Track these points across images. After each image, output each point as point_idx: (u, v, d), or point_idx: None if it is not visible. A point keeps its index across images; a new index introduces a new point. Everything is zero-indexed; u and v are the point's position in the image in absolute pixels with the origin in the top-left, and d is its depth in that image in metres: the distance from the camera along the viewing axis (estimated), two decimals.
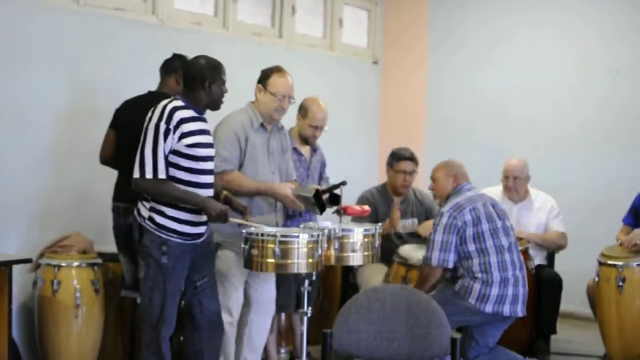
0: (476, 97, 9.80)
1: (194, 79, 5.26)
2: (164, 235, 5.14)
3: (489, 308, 5.96)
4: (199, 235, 5.32)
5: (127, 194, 6.03)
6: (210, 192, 5.31)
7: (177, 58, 6.32)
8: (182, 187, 5.14)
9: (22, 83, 6.50)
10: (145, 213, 5.18)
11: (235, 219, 5.44)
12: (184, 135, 5.10)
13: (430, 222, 7.08)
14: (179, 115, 5.11)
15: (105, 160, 6.38)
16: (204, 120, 5.32)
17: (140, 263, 5.35)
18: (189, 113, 5.18)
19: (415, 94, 10.14)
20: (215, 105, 5.35)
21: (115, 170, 6.26)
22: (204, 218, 5.28)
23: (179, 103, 5.19)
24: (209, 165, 5.29)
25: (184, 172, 5.16)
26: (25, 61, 6.51)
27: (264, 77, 5.98)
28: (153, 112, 5.16)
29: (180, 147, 5.11)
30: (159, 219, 5.15)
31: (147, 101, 5.98)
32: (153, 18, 7.40)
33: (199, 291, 5.38)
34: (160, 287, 5.13)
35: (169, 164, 5.12)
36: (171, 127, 5.06)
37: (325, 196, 6.02)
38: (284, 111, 6.03)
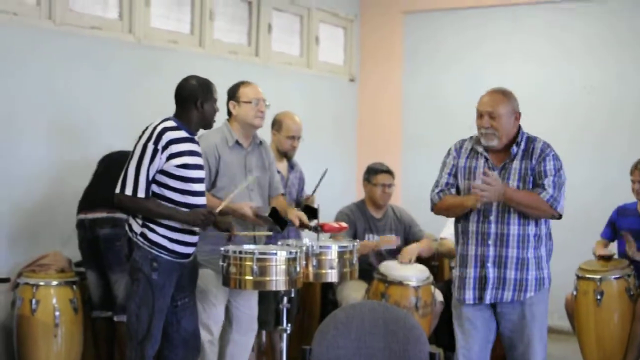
0: (452, 113, 9.82)
1: (186, 100, 5.31)
2: (155, 252, 5.16)
3: None
4: (188, 255, 5.35)
5: (92, 205, 6.15)
6: None
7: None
8: (168, 205, 5.18)
9: None
10: (137, 229, 5.19)
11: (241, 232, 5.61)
12: (172, 156, 5.14)
13: (412, 247, 7.11)
14: (169, 136, 5.14)
15: None
16: (195, 142, 5.35)
17: (114, 277, 5.36)
18: (180, 134, 5.21)
19: (392, 111, 10.19)
20: (208, 124, 5.43)
21: None
22: (194, 239, 5.33)
23: (171, 124, 5.22)
24: (199, 186, 5.32)
25: (173, 193, 5.19)
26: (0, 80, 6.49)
27: (233, 93, 6.01)
28: (144, 131, 5.19)
29: (170, 167, 5.14)
30: (151, 235, 5.17)
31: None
32: (130, 37, 7.40)
33: (179, 310, 5.38)
34: (149, 304, 5.14)
35: (158, 184, 5.15)
36: (159, 147, 5.10)
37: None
38: (263, 115, 6.04)
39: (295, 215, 5.94)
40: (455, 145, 5.61)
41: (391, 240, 7.10)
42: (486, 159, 5.39)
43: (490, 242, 5.28)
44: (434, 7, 10.06)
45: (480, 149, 5.42)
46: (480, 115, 5.46)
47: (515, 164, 5.39)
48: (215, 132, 5.90)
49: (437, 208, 5.51)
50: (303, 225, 5.97)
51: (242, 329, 6.05)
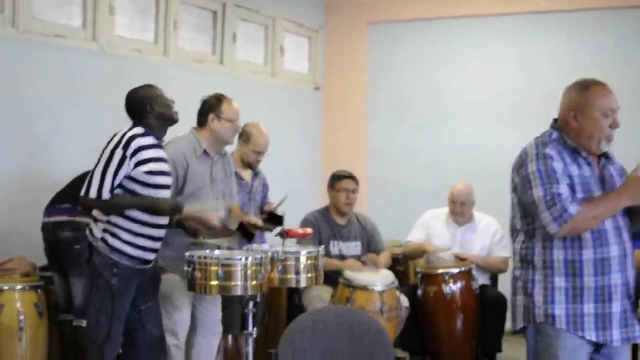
0: (417, 122, 9.90)
1: (137, 109, 5.33)
2: (115, 257, 5.15)
3: None
4: (149, 261, 5.34)
5: (56, 209, 6.16)
6: (166, 220, 5.36)
7: None
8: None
9: None
10: (97, 234, 5.19)
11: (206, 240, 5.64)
12: (140, 163, 5.15)
13: (383, 255, 7.16)
14: (138, 142, 5.16)
15: None
16: (162, 147, 5.37)
17: (72, 280, 5.57)
18: (149, 140, 5.24)
19: (356, 120, 10.22)
20: (169, 120, 5.40)
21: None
22: (156, 245, 5.34)
23: (139, 130, 5.23)
24: (165, 193, 5.34)
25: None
26: None
27: (214, 106, 6.00)
28: (112, 137, 5.20)
29: (138, 174, 5.15)
30: (111, 241, 5.16)
31: None
32: (93, 45, 7.38)
33: (142, 315, 5.38)
34: (108, 308, 5.13)
35: (125, 190, 5.16)
36: (128, 154, 5.11)
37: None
38: (236, 134, 6.13)
39: (254, 221, 5.95)
40: (548, 148, 4.34)
41: (355, 267, 7.07)
42: (589, 165, 4.36)
43: (629, 265, 4.30)
44: (398, 18, 10.10)
45: (584, 154, 4.35)
46: (612, 111, 4.36)
47: (611, 169, 4.45)
48: (183, 139, 5.94)
49: (576, 221, 4.16)
50: (259, 228, 6.00)
51: (207, 332, 6.06)
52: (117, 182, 5.11)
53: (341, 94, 10.25)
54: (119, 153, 5.10)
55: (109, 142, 5.20)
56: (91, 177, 5.14)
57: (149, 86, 5.41)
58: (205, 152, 5.97)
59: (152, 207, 5.21)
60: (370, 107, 10.22)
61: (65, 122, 7.00)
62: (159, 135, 5.35)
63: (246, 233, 5.87)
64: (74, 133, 7.05)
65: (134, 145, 5.14)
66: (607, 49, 9.10)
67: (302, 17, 10.02)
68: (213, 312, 6.09)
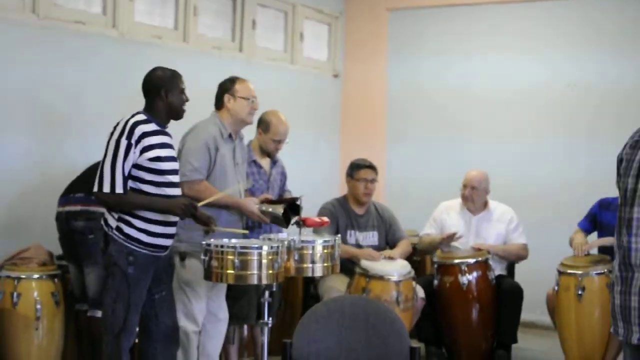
0: (436, 110, 9.88)
1: (150, 91, 5.32)
2: (130, 246, 5.15)
3: None
4: (164, 248, 5.34)
5: (69, 198, 6.18)
6: None
7: None
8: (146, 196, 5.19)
9: None
10: (113, 223, 5.18)
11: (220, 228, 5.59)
12: (145, 149, 5.13)
13: (403, 243, 7.17)
14: (141, 129, 5.14)
15: None
16: (166, 134, 5.35)
17: (86, 270, 5.61)
18: (151, 127, 5.21)
19: (376, 107, 10.20)
20: (176, 114, 5.39)
21: None
22: (172, 230, 5.33)
23: (141, 117, 5.22)
24: (173, 178, 5.32)
25: (148, 186, 5.19)
26: None
27: (229, 87, 6.11)
28: (115, 127, 5.18)
29: (143, 161, 5.14)
30: (126, 229, 5.16)
31: None
32: (113, 31, 7.39)
33: (156, 304, 5.37)
34: (125, 297, 5.13)
35: (133, 178, 5.15)
36: (132, 141, 5.09)
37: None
38: (254, 113, 6.18)
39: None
40: None
41: (373, 256, 7.05)
42: None
43: None
44: (418, 5, 10.09)
45: None
46: None
47: None
48: (211, 123, 6.03)
49: None
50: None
51: (212, 318, 6.08)
52: (126, 172, 5.11)
53: (360, 82, 10.23)
54: (124, 142, 5.09)
55: (112, 132, 5.18)
56: (101, 171, 5.13)
57: (172, 72, 5.40)
58: (230, 135, 6.05)
59: (165, 209, 5.21)
60: (390, 95, 10.20)
61: (84, 108, 7.01)
62: (162, 123, 5.33)
63: (287, 217, 5.96)
64: (92, 120, 7.04)
65: (138, 132, 5.13)
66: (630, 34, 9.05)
67: (322, 4, 10.00)
68: (219, 297, 6.12)
